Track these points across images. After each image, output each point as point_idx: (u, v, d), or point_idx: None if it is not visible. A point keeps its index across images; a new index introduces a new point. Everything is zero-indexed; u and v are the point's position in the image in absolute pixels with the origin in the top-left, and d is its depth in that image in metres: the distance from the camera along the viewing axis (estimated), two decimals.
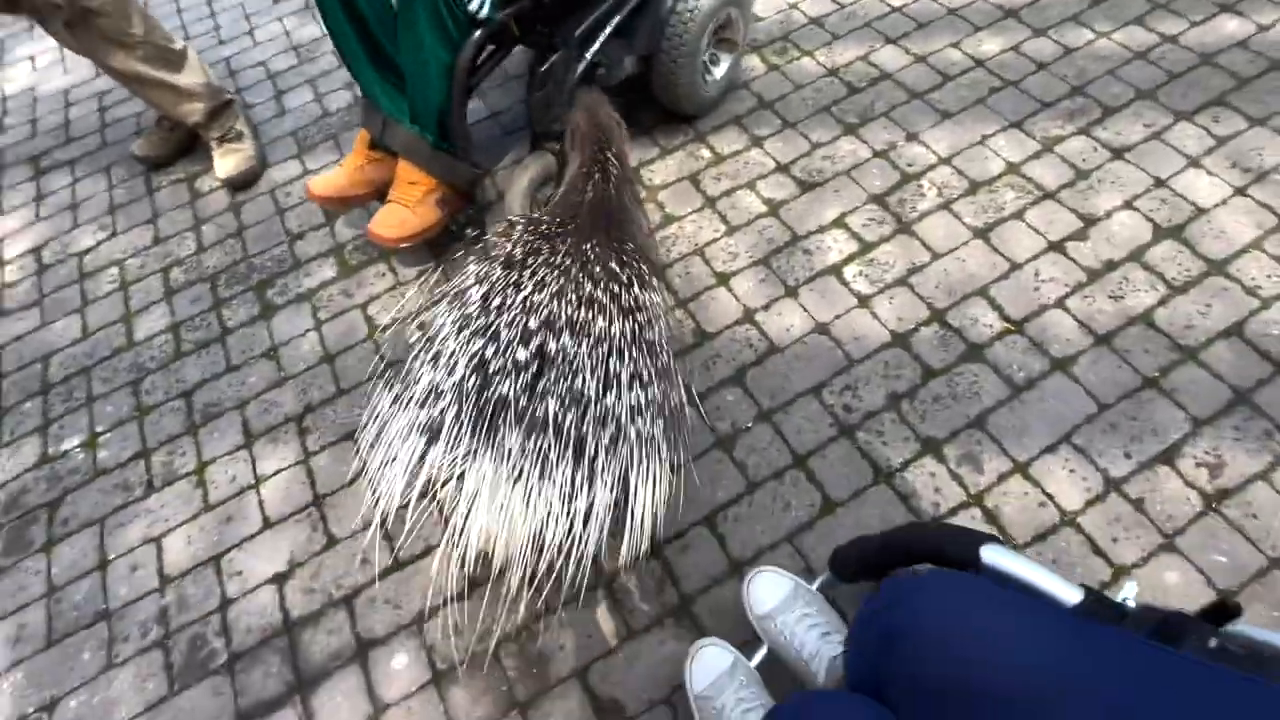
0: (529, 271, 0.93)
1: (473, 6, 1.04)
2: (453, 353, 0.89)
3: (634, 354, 0.91)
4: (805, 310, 1.32)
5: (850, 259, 1.37)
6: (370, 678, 1.04)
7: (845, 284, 1.34)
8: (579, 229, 0.99)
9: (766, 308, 1.33)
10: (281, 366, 1.41)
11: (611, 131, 1.16)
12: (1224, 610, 0.46)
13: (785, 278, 1.37)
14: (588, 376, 0.86)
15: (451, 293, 0.98)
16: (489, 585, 1.07)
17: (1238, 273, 1.25)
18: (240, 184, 1.70)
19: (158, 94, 1.63)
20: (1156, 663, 0.37)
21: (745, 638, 0.97)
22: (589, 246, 0.97)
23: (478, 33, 1.09)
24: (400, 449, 0.92)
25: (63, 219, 1.77)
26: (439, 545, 1.12)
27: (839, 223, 1.43)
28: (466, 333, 0.90)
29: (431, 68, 1.11)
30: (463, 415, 0.86)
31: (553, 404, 0.84)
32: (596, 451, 0.85)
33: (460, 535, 0.89)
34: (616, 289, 0.94)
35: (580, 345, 0.89)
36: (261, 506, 1.23)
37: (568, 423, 0.84)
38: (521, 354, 0.86)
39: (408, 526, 1.12)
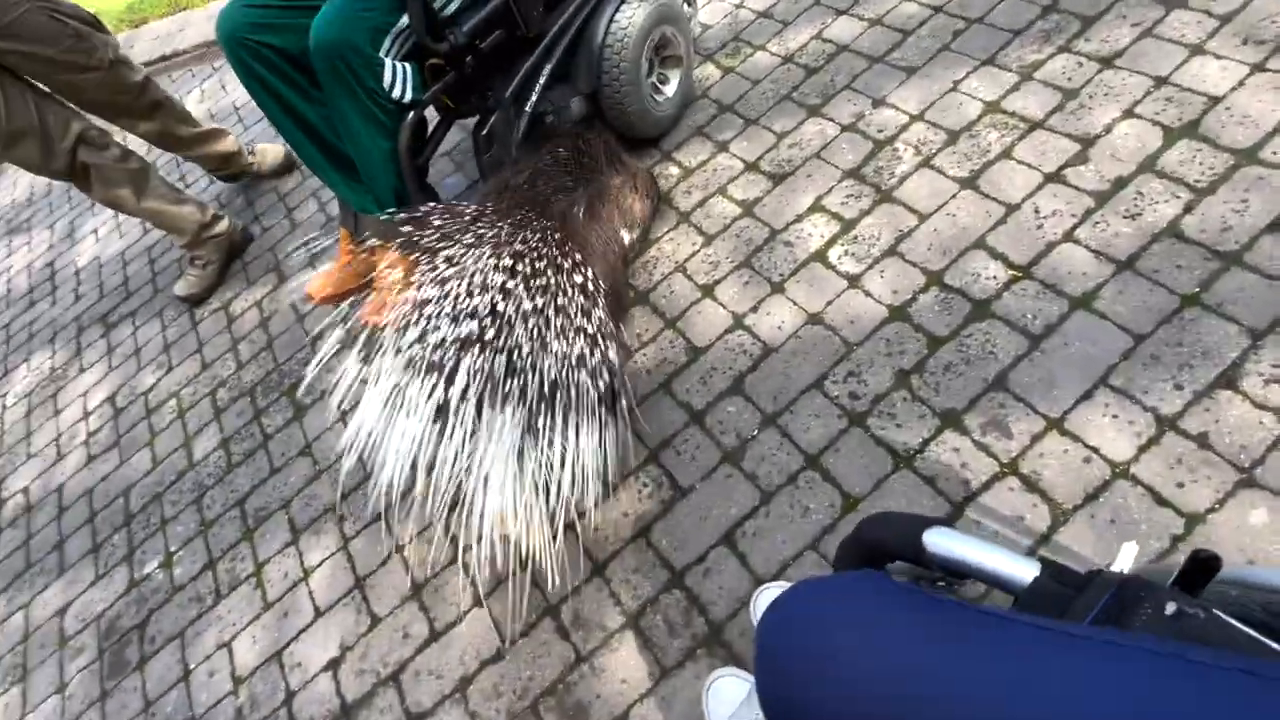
0: (457, 245, 1.01)
1: (395, 93, 1.10)
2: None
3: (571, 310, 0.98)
4: (794, 304, 1.27)
5: (833, 241, 1.32)
6: None
7: (832, 267, 1.29)
8: (528, 216, 1.06)
9: (755, 309, 1.29)
10: (316, 460, 1.49)
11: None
12: (1201, 566, 0.39)
13: (769, 275, 1.33)
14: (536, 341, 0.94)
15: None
16: (519, 641, 1.07)
17: (1273, 156, 1.10)
18: (197, 301, 1.97)
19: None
20: (1042, 658, 0.31)
21: None
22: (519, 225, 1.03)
23: (410, 115, 1.15)
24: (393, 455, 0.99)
25: (129, 365, 1.97)
26: (453, 560, 1.13)
27: (815, 207, 1.38)
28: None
29: (374, 156, 1.18)
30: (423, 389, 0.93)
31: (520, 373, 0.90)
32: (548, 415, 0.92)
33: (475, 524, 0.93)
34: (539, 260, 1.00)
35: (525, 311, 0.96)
36: (311, 597, 1.30)
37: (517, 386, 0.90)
38: (470, 324, 0.93)
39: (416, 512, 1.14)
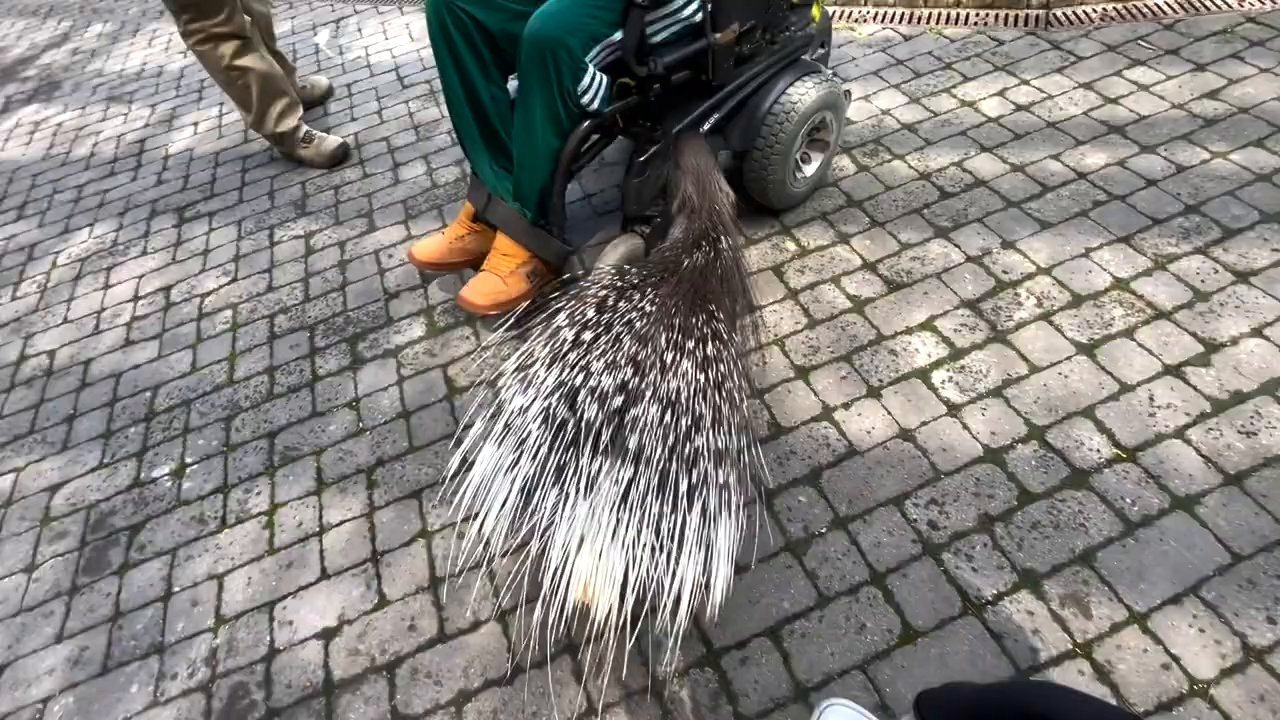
0: (618, 314, 0.96)
1: (585, 100, 1.11)
2: (544, 384, 0.91)
3: (717, 400, 0.91)
4: (888, 413, 1.26)
5: (939, 364, 1.31)
6: None
7: (933, 389, 1.28)
8: (671, 286, 1.01)
9: (847, 406, 1.28)
10: (361, 418, 1.45)
11: (719, 203, 1.17)
12: None
13: (868, 377, 1.32)
14: (678, 414, 0.87)
15: (543, 328, 1.01)
16: (533, 671, 1.02)
17: None
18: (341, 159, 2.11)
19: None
20: None
21: None
22: (676, 300, 0.99)
23: (586, 123, 1.16)
24: (500, 482, 0.92)
25: (194, 263, 1.95)
26: (524, 603, 1.08)
27: (927, 325, 1.38)
28: (558, 366, 0.92)
29: (540, 152, 1.18)
30: (554, 450, 0.87)
31: (644, 439, 0.84)
32: (685, 490, 0.85)
33: (560, 583, 0.86)
34: (699, 340, 0.95)
35: (668, 383, 0.90)
36: (322, 556, 1.24)
37: (657, 457, 0.84)
38: (609, 383, 0.87)
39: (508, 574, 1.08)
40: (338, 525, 1.28)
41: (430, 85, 2.42)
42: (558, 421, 0.88)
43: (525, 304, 1.39)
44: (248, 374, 1.60)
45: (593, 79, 1.09)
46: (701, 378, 0.93)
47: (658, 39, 1.14)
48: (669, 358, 0.93)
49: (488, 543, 0.96)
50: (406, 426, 1.41)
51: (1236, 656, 0.92)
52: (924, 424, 1.23)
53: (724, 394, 0.95)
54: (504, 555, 1.13)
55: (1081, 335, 1.31)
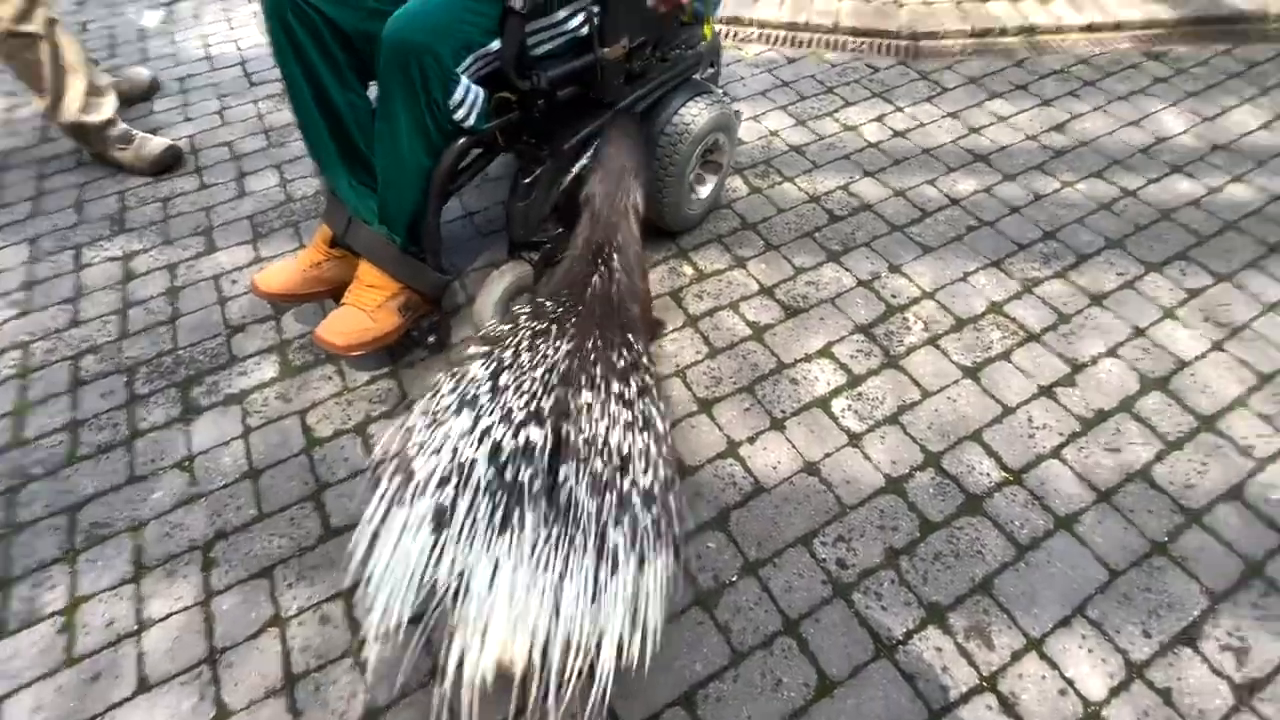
0: (536, 353, 0.86)
1: (459, 115, 0.98)
2: (459, 433, 0.79)
3: (644, 440, 0.83)
4: (793, 446, 1.22)
5: (838, 391, 1.30)
6: None
7: (834, 419, 1.26)
8: (583, 315, 0.92)
9: (752, 440, 1.23)
10: (195, 480, 1.21)
11: (626, 226, 1.08)
12: None
13: (771, 408, 1.28)
14: (607, 459, 0.79)
15: (453, 371, 0.88)
16: None
17: (1229, 430, 1.22)
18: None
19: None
20: None
21: None
22: (595, 333, 0.90)
23: (461, 140, 1.03)
24: (406, 546, 0.77)
25: None
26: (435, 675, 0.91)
27: (825, 352, 1.37)
28: (470, 412, 0.80)
29: (409, 171, 1.03)
30: (475, 505, 0.75)
31: (575, 489, 0.75)
32: (618, 541, 0.76)
33: (476, 651, 0.73)
34: (622, 378, 0.87)
35: (594, 427, 0.81)
36: (141, 662, 1.00)
37: (587, 510, 0.75)
38: (536, 434, 0.77)
39: (411, 644, 0.88)
40: (162, 620, 1.05)
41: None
42: (474, 475, 0.76)
43: (396, 338, 1.22)
44: (41, 431, 1.29)
45: (467, 92, 0.96)
46: (627, 415, 0.85)
47: (541, 51, 1.03)
48: (592, 398, 0.84)
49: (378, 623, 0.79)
50: (254, 489, 1.20)
51: (1122, 674, 0.96)
52: (827, 455, 1.21)
53: (650, 431, 0.86)
54: (387, 637, 0.96)
55: (966, 359, 1.35)
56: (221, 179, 1.83)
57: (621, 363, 0.89)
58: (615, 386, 0.86)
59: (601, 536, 0.75)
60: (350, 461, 1.22)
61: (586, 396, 0.82)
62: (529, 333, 0.88)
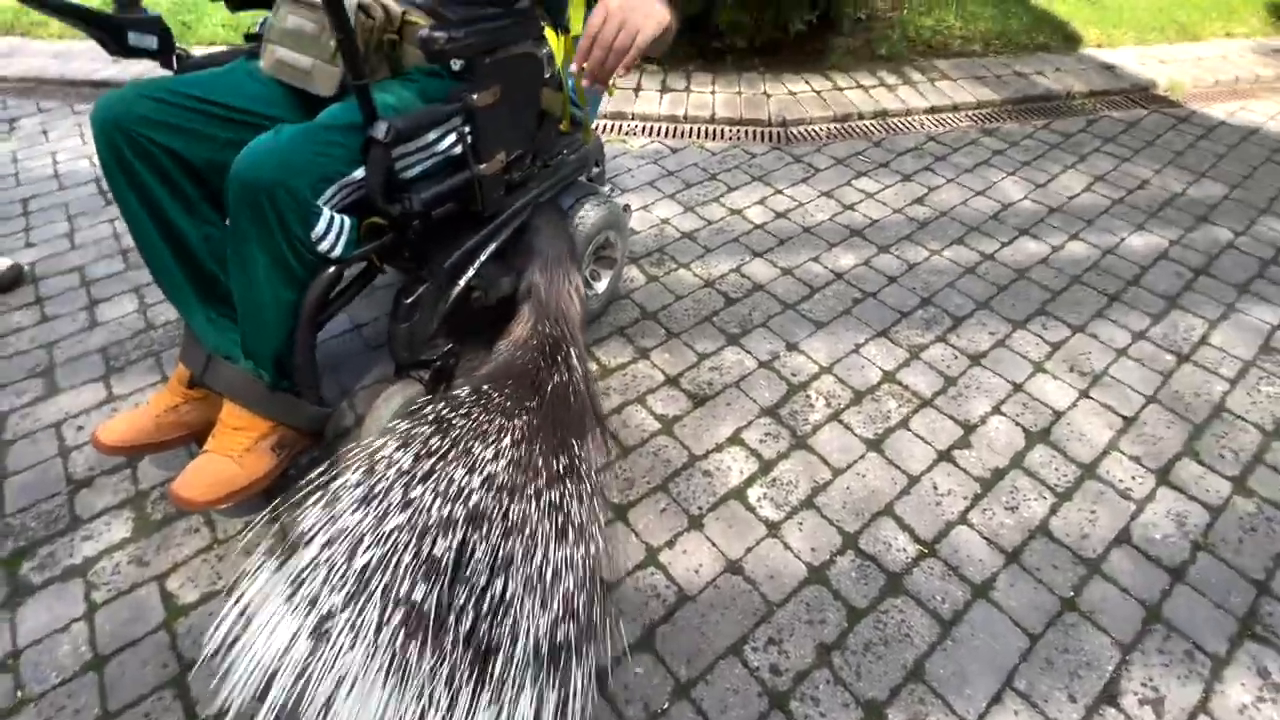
0: (460, 445, 0.81)
1: (323, 246, 0.92)
2: (354, 529, 0.75)
3: (578, 554, 0.80)
4: (713, 544, 1.19)
5: (752, 480, 1.29)
6: None
7: (751, 509, 1.24)
8: (535, 414, 0.88)
9: (671, 545, 1.19)
10: (20, 683, 1.01)
11: (572, 316, 1.05)
12: None
13: (688, 506, 1.24)
14: (512, 585, 0.75)
15: (365, 456, 0.84)
16: None
17: (1108, 475, 1.31)
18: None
19: None
20: None
21: None
22: (532, 434, 0.87)
23: (330, 269, 0.97)
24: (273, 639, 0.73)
25: None
26: None
27: (735, 439, 1.36)
28: (376, 504, 0.76)
29: (269, 307, 0.95)
30: (361, 614, 0.71)
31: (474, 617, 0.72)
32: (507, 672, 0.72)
33: None
34: (557, 491, 0.84)
35: (508, 545, 0.77)
36: None
37: (481, 635, 0.72)
38: (440, 546, 0.73)
39: None
40: None
41: None
42: (369, 582, 0.71)
43: (270, 482, 1.10)
44: None
45: (330, 223, 0.91)
46: (564, 526, 0.81)
47: (412, 174, 1.00)
48: (530, 511, 0.80)
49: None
50: (99, 681, 1.01)
51: None
52: (749, 550, 1.18)
53: (584, 546, 0.82)
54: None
55: (868, 431, 1.38)
56: (68, 308, 1.65)
57: (559, 468, 0.85)
58: (549, 495, 0.81)
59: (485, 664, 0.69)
60: (221, 630, 1.06)
61: (516, 507, 0.78)
62: (466, 422, 0.83)
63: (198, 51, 1.21)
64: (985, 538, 1.20)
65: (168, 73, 1.10)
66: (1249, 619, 1.10)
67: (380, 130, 0.89)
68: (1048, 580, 1.14)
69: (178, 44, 1.09)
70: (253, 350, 1.03)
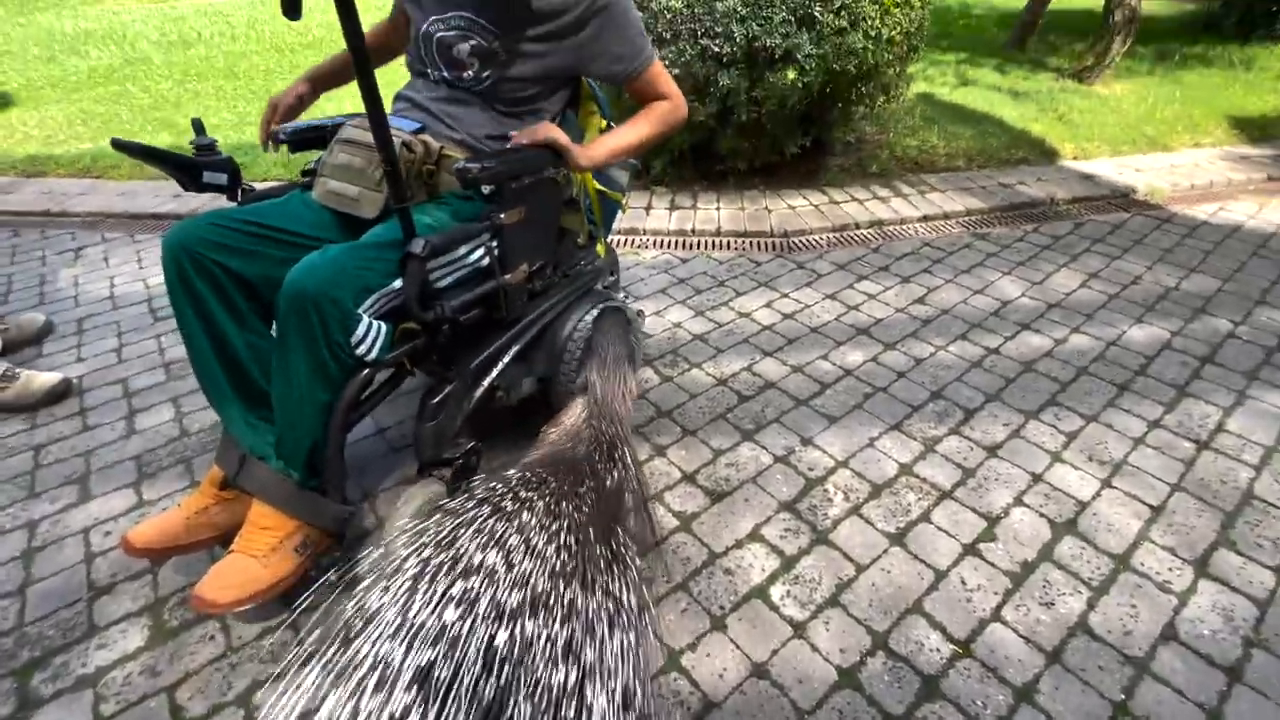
0: (518, 533, 0.84)
1: (361, 350, 1.00)
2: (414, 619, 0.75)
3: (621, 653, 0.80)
4: (737, 647, 1.14)
5: (774, 578, 1.26)
6: None
7: (775, 608, 1.21)
8: (590, 510, 0.91)
9: (693, 648, 1.15)
10: None
11: (624, 417, 1.09)
12: None
13: (709, 606, 1.21)
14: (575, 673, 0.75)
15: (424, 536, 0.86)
16: None
17: (1143, 567, 1.26)
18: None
19: None
20: None
21: None
22: (588, 527, 0.89)
23: (364, 372, 1.04)
24: None
25: None
26: None
27: (755, 536, 1.35)
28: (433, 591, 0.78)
29: (306, 406, 1.01)
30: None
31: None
32: None
33: None
34: (607, 585, 0.85)
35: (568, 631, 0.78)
36: None
37: None
38: (501, 637, 0.74)
39: None
40: None
41: None
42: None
43: (292, 584, 1.10)
44: None
45: (368, 329, 0.99)
46: (616, 613, 0.84)
47: (444, 284, 1.10)
48: (588, 600, 0.82)
49: None
50: None
51: None
52: (774, 653, 1.13)
53: (634, 634, 0.84)
54: None
55: (889, 525, 1.37)
56: (108, 418, 1.72)
57: (611, 556, 0.86)
58: (602, 582, 0.82)
59: None
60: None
61: (573, 594, 0.79)
62: (517, 506, 0.86)
63: (256, 185, 1.37)
64: (1022, 636, 1.15)
65: (230, 204, 1.24)
66: None
67: (418, 246, 1.00)
68: (1095, 682, 1.08)
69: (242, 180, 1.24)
70: (286, 450, 1.07)
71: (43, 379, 1.76)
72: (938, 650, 1.13)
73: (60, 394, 1.77)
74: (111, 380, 1.88)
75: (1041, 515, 1.38)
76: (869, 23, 2.45)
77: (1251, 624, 1.16)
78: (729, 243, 2.57)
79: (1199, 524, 1.35)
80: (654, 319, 2.08)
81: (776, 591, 1.24)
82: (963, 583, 1.24)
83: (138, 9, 7.49)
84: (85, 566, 1.33)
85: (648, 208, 2.80)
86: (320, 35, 5.77)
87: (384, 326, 1.02)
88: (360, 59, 0.87)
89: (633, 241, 2.59)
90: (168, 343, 2.03)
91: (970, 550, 1.31)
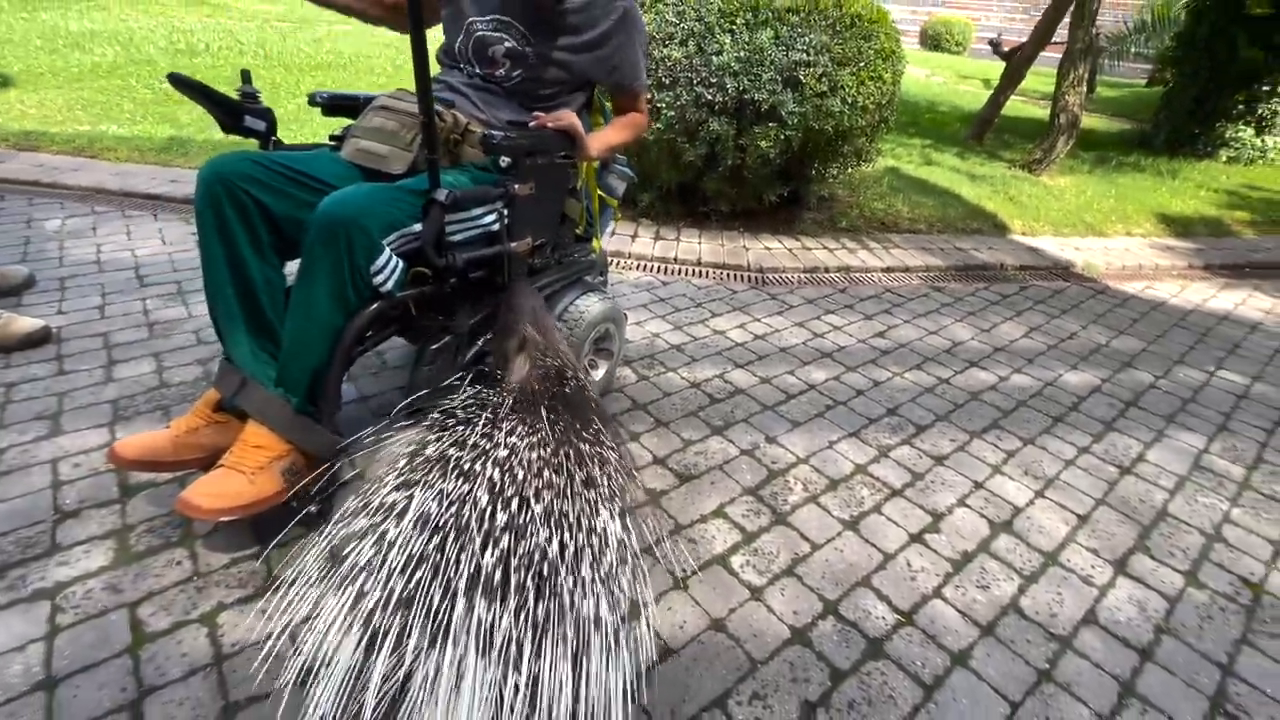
0: (500, 434, 0.91)
1: (378, 279, 1.07)
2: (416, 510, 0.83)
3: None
4: (698, 604, 1.20)
5: (736, 549, 1.34)
6: None
7: (734, 574, 1.27)
8: (543, 412, 0.98)
9: (656, 601, 1.20)
10: None
11: (560, 341, 1.17)
12: None
13: (673, 568, 1.27)
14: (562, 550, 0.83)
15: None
16: None
17: (1069, 563, 1.38)
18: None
19: None
20: None
21: None
22: (561, 427, 0.96)
23: (375, 305, 1.11)
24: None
25: None
26: None
27: (719, 513, 1.43)
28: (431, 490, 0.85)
29: (320, 328, 1.07)
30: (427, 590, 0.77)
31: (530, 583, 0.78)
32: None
33: None
34: (588, 470, 0.92)
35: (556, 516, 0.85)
36: None
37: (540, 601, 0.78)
38: (501, 517, 0.81)
39: None
40: None
41: (179, 285, 2.17)
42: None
43: (270, 507, 1.13)
44: None
45: (388, 260, 1.07)
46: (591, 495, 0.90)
47: (457, 239, 1.19)
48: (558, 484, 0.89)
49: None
50: (48, 703, 0.95)
51: None
52: (732, 611, 1.20)
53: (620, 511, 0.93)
54: None
55: (844, 513, 1.46)
56: (85, 365, 1.72)
57: (585, 446, 0.95)
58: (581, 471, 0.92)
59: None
60: (189, 658, 1.02)
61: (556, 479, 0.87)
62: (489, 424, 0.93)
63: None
64: (960, 611, 1.24)
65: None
66: (1219, 698, 1.12)
67: (442, 195, 1.10)
68: (1023, 652, 1.17)
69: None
70: (289, 377, 1.12)
71: (22, 322, 1.76)
72: (883, 618, 1.21)
73: (39, 340, 1.77)
74: (92, 334, 1.88)
75: (981, 515, 1.49)
76: (846, 90, 2.73)
77: (1162, 615, 1.28)
78: (708, 272, 2.73)
79: (1119, 532, 1.49)
80: (634, 328, 2.19)
81: (737, 560, 1.31)
82: (908, 565, 1.34)
83: (146, 20, 7.64)
84: (52, 492, 1.32)
85: (634, 235, 2.97)
86: (329, 60, 5.98)
87: (401, 262, 1.11)
88: (416, 15, 0.99)
89: (617, 263, 2.73)
90: (152, 305, 2.05)
91: (916, 539, 1.41)
